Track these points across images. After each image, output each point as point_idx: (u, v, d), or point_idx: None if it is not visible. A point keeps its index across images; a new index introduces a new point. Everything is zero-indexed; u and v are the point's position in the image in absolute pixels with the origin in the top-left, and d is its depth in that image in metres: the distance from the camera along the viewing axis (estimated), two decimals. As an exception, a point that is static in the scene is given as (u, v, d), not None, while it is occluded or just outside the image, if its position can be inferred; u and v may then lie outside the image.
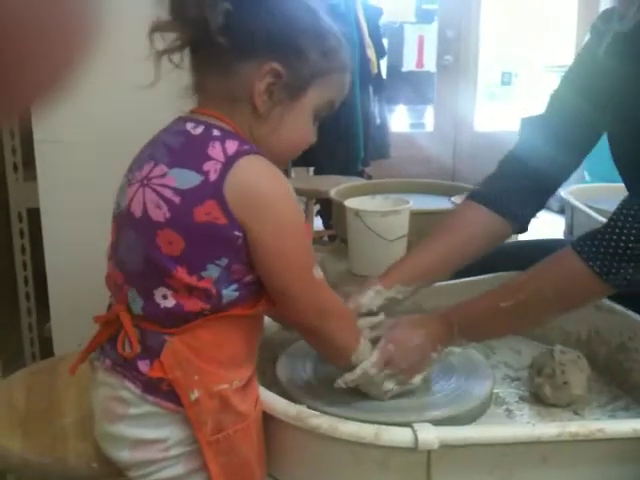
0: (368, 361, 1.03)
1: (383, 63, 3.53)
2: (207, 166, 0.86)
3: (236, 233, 0.87)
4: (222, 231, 0.86)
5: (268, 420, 0.98)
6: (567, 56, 4.69)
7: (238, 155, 0.87)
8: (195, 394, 0.88)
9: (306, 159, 3.27)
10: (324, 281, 0.96)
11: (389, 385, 1.06)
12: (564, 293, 1.07)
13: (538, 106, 4.26)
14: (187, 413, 0.88)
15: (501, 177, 1.34)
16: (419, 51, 4.74)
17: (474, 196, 1.33)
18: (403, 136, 4.45)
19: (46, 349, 1.90)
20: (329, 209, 3.02)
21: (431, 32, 4.64)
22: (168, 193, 0.86)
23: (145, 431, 0.90)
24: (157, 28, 0.88)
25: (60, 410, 1.15)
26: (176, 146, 0.89)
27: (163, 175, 0.87)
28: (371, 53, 3.30)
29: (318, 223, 3.42)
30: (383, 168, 3.62)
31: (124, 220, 0.92)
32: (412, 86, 4.76)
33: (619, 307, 1.27)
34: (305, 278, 0.93)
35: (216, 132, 0.89)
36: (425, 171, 4.25)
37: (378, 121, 3.48)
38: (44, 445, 1.06)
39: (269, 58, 0.88)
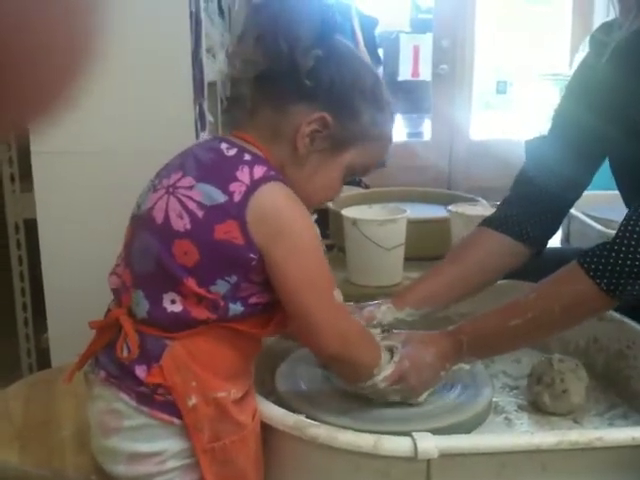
0: (383, 373, 1.03)
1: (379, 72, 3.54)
2: (233, 187, 0.88)
3: (251, 255, 0.89)
4: (238, 251, 0.88)
5: (266, 430, 0.97)
6: (561, 64, 4.71)
7: (263, 180, 0.89)
8: (192, 400, 0.89)
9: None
10: (344, 305, 0.98)
11: (394, 397, 1.06)
12: (572, 310, 1.08)
13: (533, 114, 4.24)
14: (184, 420, 0.89)
15: (514, 202, 1.35)
16: (414, 60, 4.75)
17: (488, 222, 1.33)
18: (399, 145, 4.45)
19: (43, 360, 1.90)
20: (326, 218, 3.02)
21: (426, 42, 4.66)
22: (192, 205, 0.89)
23: (140, 445, 0.90)
24: (237, 55, 0.94)
25: (58, 422, 1.14)
26: (206, 162, 0.92)
27: (190, 187, 0.90)
28: (367, 63, 3.31)
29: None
30: (379, 176, 3.61)
31: (142, 223, 0.94)
32: (408, 95, 4.77)
33: (617, 315, 1.27)
34: (325, 303, 0.94)
35: (247, 157, 0.91)
36: (421, 179, 4.24)
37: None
38: (42, 458, 1.05)
39: (323, 107, 0.92)
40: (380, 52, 3.61)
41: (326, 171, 0.96)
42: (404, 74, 4.75)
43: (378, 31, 3.62)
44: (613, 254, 1.04)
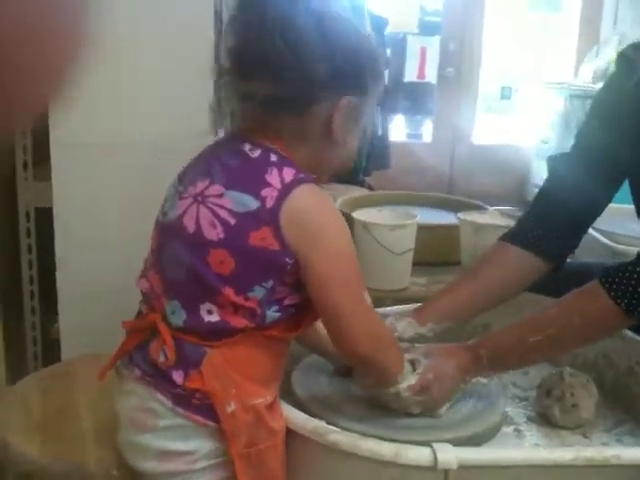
0: (406, 382, 1.05)
1: (385, 74, 3.54)
2: (265, 192, 0.89)
3: (287, 259, 0.89)
4: (274, 256, 0.89)
5: (288, 434, 0.99)
6: (566, 73, 4.73)
7: (295, 183, 0.90)
8: (232, 407, 0.90)
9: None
10: (373, 307, 0.99)
11: (415, 409, 1.08)
12: (592, 328, 1.11)
13: (536, 121, 4.25)
14: (223, 426, 0.90)
15: (535, 217, 1.36)
16: (421, 62, 4.76)
17: (509, 237, 1.35)
18: (400, 146, 4.47)
19: (50, 350, 1.90)
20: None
21: (433, 44, 4.67)
22: (224, 214, 0.89)
23: (173, 443, 0.91)
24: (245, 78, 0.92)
25: (77, 415, 1.15)
26: (233, 167, 0.92)
27: (220, 195, 0.90)
28: (376, 64, 3.31)
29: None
30: (381, 177, 3.63)
31: (172, 231, 0.94)
32: (412, 96, 4.78)
33: (629, 333, 1.29)
34: (357, 304, 0.95)
35: (274, 157, 0.91)
36: (421, 182, 4.27)
37: (380, 131, 3.49)
38: (63, 451, 1.07)
39: (342, 91, 0.92)
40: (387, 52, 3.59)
41: (354, 139, 0.99)
42: (410, 75, 4.75)
43: (386, 32, 3.61)
44: (635, 275, 1.06)
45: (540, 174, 4.63)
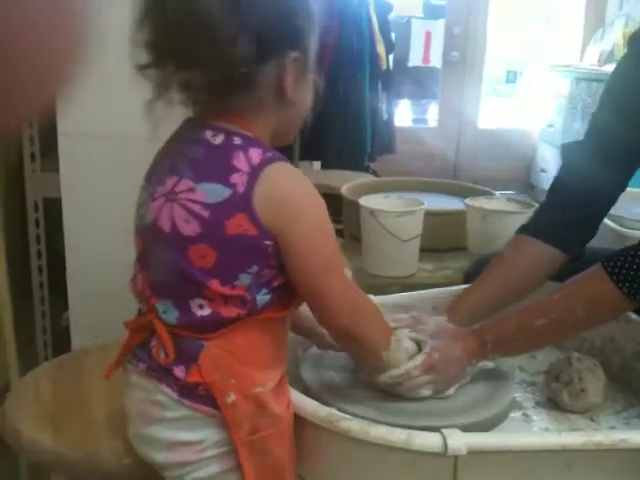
0: (413, 362, 1.06)
1: (390, 58, 3.53)
2: (234, 178, 0.87)
3: (266, 242, 0.88)
4: (253, 241, 0.88)
5: (298, 421, 1.00)
6: (572, 56, 4.70)
7: (263, 164, 0.88)
8: (232, 397, 0.90)
9: (313, 153, 3.28)
10: (354, 281, 0.99)
11: (426, 392, 1.09)
12: (594, 312, 1.12)
13: (541, 104, 4.25)
14: (223, 415, 0.90)
15: (551, 208, 1.36)
16: (426, 46, 4.74)
17: (527, 230, 1.35)
18: (406, 131, 4.46)
19: (59, 338, 1.92)
20: (335, 203, 3.03)
21: (438, 28, 4.65)
22: (197, 208, 0.87)
23: (181, 433, 0.92)
24: (166, 76, 0.87)
25: (89, 405, 1.17)
26: (199, 158, 0.89)
27: (190, 190, 0.88)
28: (380, 48, 3.30)
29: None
30: (385, 163, 3.63)
31: (151, 234, 0.93)
32: (417, 81, 4.77)
33: (634, 316, 1.29)
34: (337, 278, 0.95)
35: (237, 140, 0.89)
36: (427, 167, 4.27)
37: (385, 116, 3.49)
38: (76, 440, 1.08)
39: (286, 52, 0.89)
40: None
41: (309, 89, 0.96)
42: (415, 60, 4.74)
43: (391, 16, 3.60)
44: (637, 260, 1.06)
45: (546, 157, 4.63)
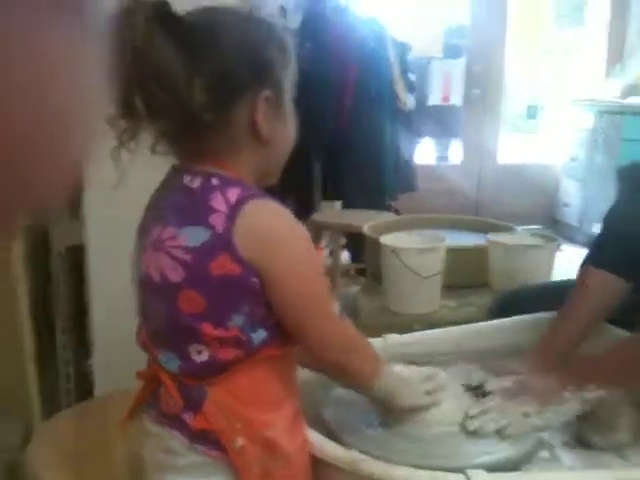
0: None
1: (412, 98, 3.56)
2: (212, 219, 0.86)
3: (253, 280, 0.87)
4: (239, 280, 0.87)
5: (317, 463, 0.98)
6: (594, 89, 4.70)
7: (241, 202, 0.86)
8: (239, 442, 0.89)
9: (335, 193, 3.29)
10: (342, 317, 0.98)
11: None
12: None
13: (564, 139, 4.23)
14: (232, 461, 0.89)
15: (613, 237, 1.36)
16: (445, 85, 4.77)
17: (594, 262, 1.35)
18: (428, 169, 4.46)
19: (83, 385, 1.92)
20: (357, 243, 3.03)
21: (458, 67, 4.68)
22: (180, 253, 0.87)
23: (197, 478, 0.91)
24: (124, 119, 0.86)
25: (110, 453, 1.16)
26: (180, 204, 0.89)
27: (174, 237, 0.88)
28: (400, 89, 3.33)
29: (345, 256, 3.43)
30: (408, 201, 3.63)
31: (145, 286, 0.93)
32: (438, 120, 4.79)
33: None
34: (324, 314, 0.94)
35: (215, 181, 0.88)
36: (449, 204, 4.25)
37: (406, 155, 3.50)
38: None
39: (256, 90, 0.89)
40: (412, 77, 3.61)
41: (286, 122, 0.95)
42: (434, 99, 4.76)
43: (410, 57, 3.63)
44: None
45: (569, 192, 4.59)
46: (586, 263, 1.36)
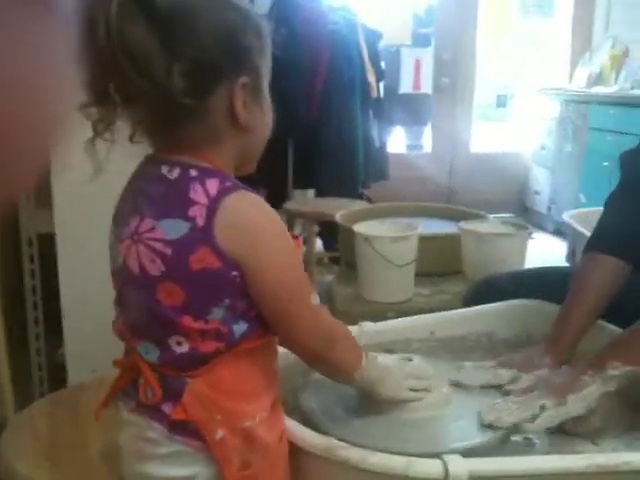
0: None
1: (381, 86, 3.56)
2: (192, 211, 0.85)
3: (233, 273, 0.87)
4: (219, 274, 0.86)
5: (295, 451, 0.98)
6: (561, 79, 4.75)
7: (221, 195, 0.85)
8: (219, 434, 0.88)
9: (307, 181, 3.29)
10: (321, 307, 0.98)
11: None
12: None
13: (532, 127, 4.29)
14: (212, 452, 0.88)
15: (614, 221, 1.38)
16: (416, 74, 4.79)
17: (596, 246, 1.37)
18: (400, 157, 4.48)
19: (55, 375, 1.90)
20: (330, 231, 3.03)
21: (427, 55, 4.70)
22: (159, 246, 0.86)
23: (174, 470, 0.90)
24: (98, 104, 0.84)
25: (86, 441, 1.15)
26: (157, 195, 0.88)
27: (152, 229, 0.86)
28: (371, 77, 3.33)
29: (318, 244, 3.43)
30: (380, 189, 3.65)
31: (123, 277, 0.92)
32: (408, 108, 4.81)
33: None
34: (304, 304, 0.94)
35: (193, 172, 0.87)
36: (421, 192, 4.28)
37: (378, 143, 3.51)
38: (72, 478, 1.06)
39: (234, 77, 0.87)
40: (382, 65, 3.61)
41: (263, 110, 0.94)
42: (405, 87, 4.78)
43: (380, 45, 3.64)
44: None
45: (539, 179, 4.65)
46: (588, 250, 1.38)
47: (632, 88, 4.04)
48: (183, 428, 0.89)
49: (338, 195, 3.04)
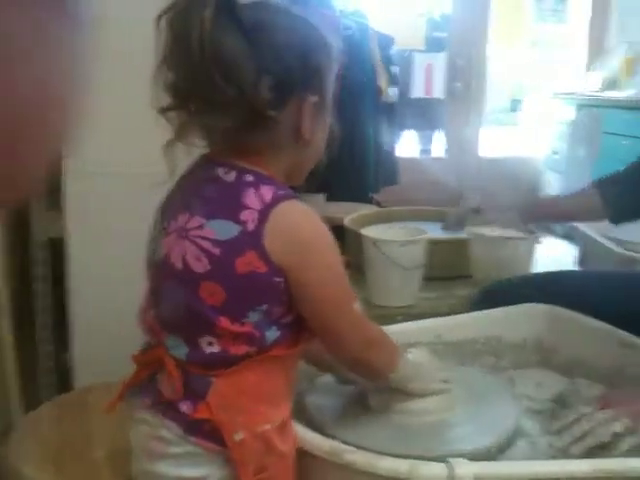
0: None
1: (393, 91, 3.56)
2: (244, 215, 0.86)
3: (276, 279, 0.88)
4: (263, 279, 0.87)
5: (300, 454, 0.98)
6: (575, 83, 4.73)
7: (275, 202, 0.87)
8: (240, 435, 0.89)
9: (318, 186, 3.28)
10: (363, 314, 0.99)
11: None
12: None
13: (545, 132, 4.26)
14: (231, 454, 0.89)
15: (625, 183, 1.60)
16: (427, 78, 4.78)
17: (600, 187, 1.63)
18: (411, 161, 4.47)
19: (62, 378, 1.90)
20: (340, 235, 3.03)
21: (439, 60, 4.68)
22: (207, 245, 0.87)
23: (185, 470, 0.90)
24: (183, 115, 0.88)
25: (91, 445, 1.15)
26: (210, 195, 0.89)
27: (201, 227, 0.88)
28: (382, 81, 3.33)
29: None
30: (390, 194, 3.64)
31: (164, 271, 0.92)
32: (420, 112, 4.80)
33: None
34: (348, 315, 0.96)
35: (249, 177, 0.89)
36: (432, 196, 4.26)
37: (388, 148, 3.50)
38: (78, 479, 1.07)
39: (304, 94, 0.90)
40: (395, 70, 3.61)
41: (323, 135, 0.97)
42: (417, 92, 4.78)
43: (393, 49, 3.64)
44: None
45: (551, 184, 4.62)
46: (595, 182, 1.62)
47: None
48: (199, 429, 0.89)
49: (348, 199, 3.03)
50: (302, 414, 1.11)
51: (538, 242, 1.94)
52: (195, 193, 0.91)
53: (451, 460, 0.92)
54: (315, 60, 0.91)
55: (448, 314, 1.50)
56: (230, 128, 0.88)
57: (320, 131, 0.95)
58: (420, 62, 4.72)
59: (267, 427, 0.91)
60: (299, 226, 0.89)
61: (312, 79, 0.91)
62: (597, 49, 4.62)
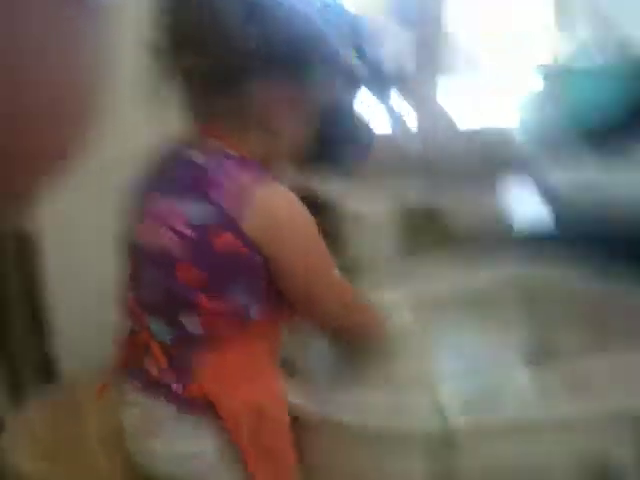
0: None
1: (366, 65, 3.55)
2: (220, 197, 0.85)
3: (256, 258, 0.88)
4: (241, 259, 0.87)
5: (296, 421, 0.97)
6: (544, 53, 4.73)
7: (252, 184, 0.87)
8: (231, 405, 0.89)
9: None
10: (343, 278, 0.99)
11: None
12: None
13: (513, 103, 4.27)
14: (225, 424, 0.89)
15: None
16: (398, 52, 4.78)
17: None
18: (385, 136, 4.48)
19: (43, 373, 1.88)
20: (316, 207, 3.02)
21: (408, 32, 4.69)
22: (182, 227, 0.87)
23: (182, 446, 0.91)
24: (165, 57, 0.88)
25: (84, 431, 1.15)
26: (184, 178, 0.89)
27: (177, 210, 0.87)
28: (353, 56, 3.32)
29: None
30: (367, 167, 3.64)
31: (141, 255, 0.92)
32: (393, 86, 4.80)
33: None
34: (329, 283, 0.96)
35: (225, 159, 0.89)
36: (407, 170, 4.27)
37: (364, 122, 3.50)
38: (74, 467, 1.06)
39: (278, 79, 0.89)
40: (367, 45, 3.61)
41: (298, 128, 0.96)
42: (389, 65, 4.77)
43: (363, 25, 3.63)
44: None
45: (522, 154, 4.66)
46: None
47: (615, 60, 4.03)
48: (192, 406, 0.90)
49: (323, 172, 3.03)
50: (294, 379, 1.12)
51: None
52: (169, 176, 0.91)
53: (444, 409, 0.92)
54: (298, 48, 0.90)
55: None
56: (209, 74, 0.87)
57: (293, 123, 0.94)
58: (385, 35, 4.72)
59: (259, 396, 0.91)
60: (276, 207, 0.88)
61: (295, 71, 0.90)
62: (565, 19, 4.63)
